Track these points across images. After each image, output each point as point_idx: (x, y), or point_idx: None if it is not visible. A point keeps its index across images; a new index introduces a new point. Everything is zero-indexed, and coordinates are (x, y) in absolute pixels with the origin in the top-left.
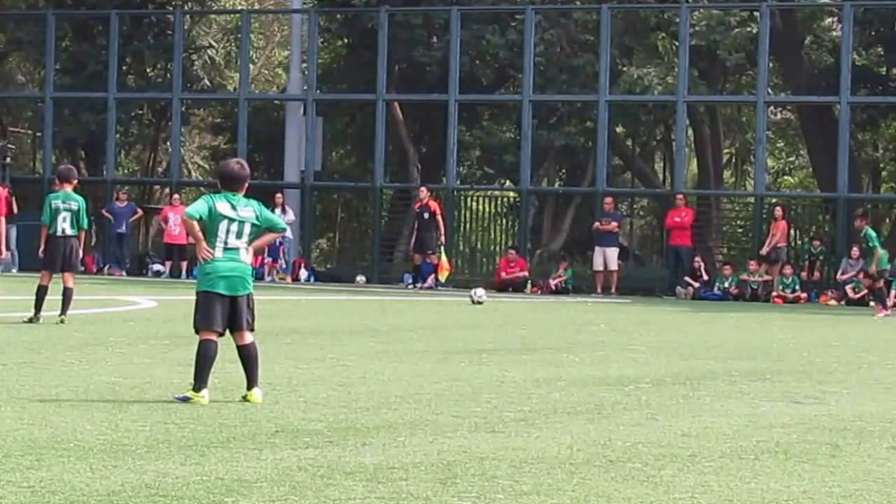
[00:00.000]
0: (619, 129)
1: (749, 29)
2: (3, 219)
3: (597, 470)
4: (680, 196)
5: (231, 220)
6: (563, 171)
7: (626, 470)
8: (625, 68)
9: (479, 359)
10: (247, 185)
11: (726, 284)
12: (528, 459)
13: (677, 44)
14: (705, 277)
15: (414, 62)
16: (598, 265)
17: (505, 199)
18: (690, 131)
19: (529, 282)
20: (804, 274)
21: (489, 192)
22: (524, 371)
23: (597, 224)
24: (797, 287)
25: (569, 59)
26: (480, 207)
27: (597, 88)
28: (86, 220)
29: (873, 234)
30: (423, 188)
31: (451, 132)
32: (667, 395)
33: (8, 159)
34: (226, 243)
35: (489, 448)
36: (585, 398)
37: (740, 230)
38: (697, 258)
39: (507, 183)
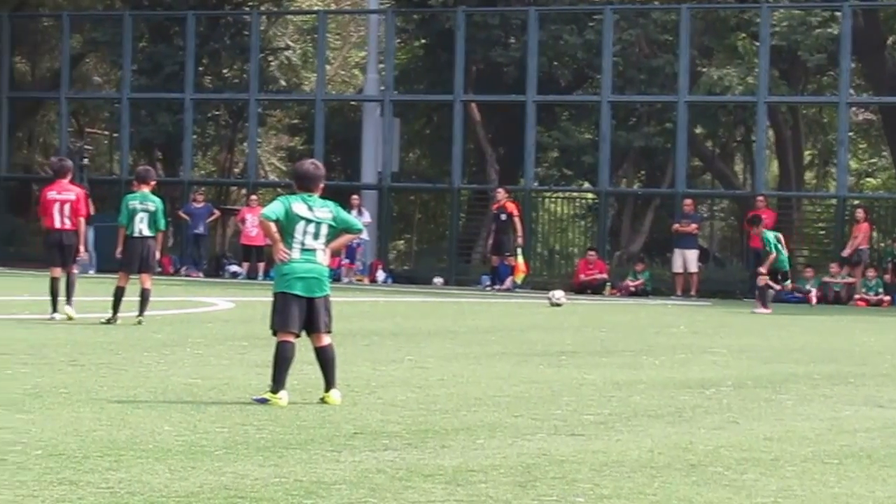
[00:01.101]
0: (698, 131)
1: (830, 29)
2: (83, 219)
3: (678, 474)
4: (761, 198)
5: (308, 221)
6: (643, 172)
7: (708, 474)
8: (704, 69)
9: (558, 361)
10: (322, 185)
11: (808, 287)
12: (608, 463)
13: (758, 44)
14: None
15: (491, 63)
16: (677, 267)
17: (583, 201)
18: (771, 132)
19: (608, 284)
20: (887, 276)
21: (567, 194)
22: (603, 373)
23: (676, 226)
24: (880, 290)
25: (647, 60)
26: (558, 209)
27: (676, 89)
28: (163, 222)
29: (769, 236)
30: (500, 189)
31: (528, 133)
32: (748, 398)
33: (85, 160)
34: (303, 244)
35: (569, 451)
36: (666, 401)
37: (822, 232)
38: None
39: (586, 184)
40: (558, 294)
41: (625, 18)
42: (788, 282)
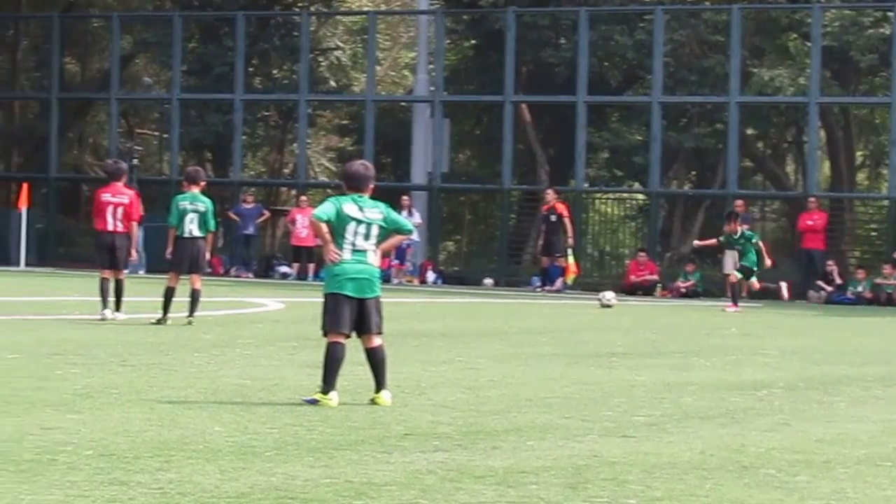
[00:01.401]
0: (749, 131)
1: (882, 29)
2: (135, 223)
3: (729, 475)
4: (812, 199)
5: (359, 221)
6: (693, 173)
7: (760, 476)
8: (755, 69)
9: (609, 362)
10: (372, 185)
11: (860, 288)
12: (659, 464)
13: (809, 44)
14: (838, 281)
15: (541, 63)
16: (728, 268)
17: (634, 202)
18: (822, 133)
19: (659, 285)
20: None
21: (618, 195)
22: (654, 375)
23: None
24: None
25: (698, 60)
26: (609, 210)
27: (727, 90)
28: (213, 222)
29: (749, 233)
30: (549, 191)
31: (579, 134)
32: (800, 400)
33: (135, 161)
34: (354, 245)
35: (620, 452)
36: (717, 403)
37: (874, 233)
38: (830, 262)
39: (636, 185)
40: (609, 295)
41: (676, 19)
42: (754, 279)
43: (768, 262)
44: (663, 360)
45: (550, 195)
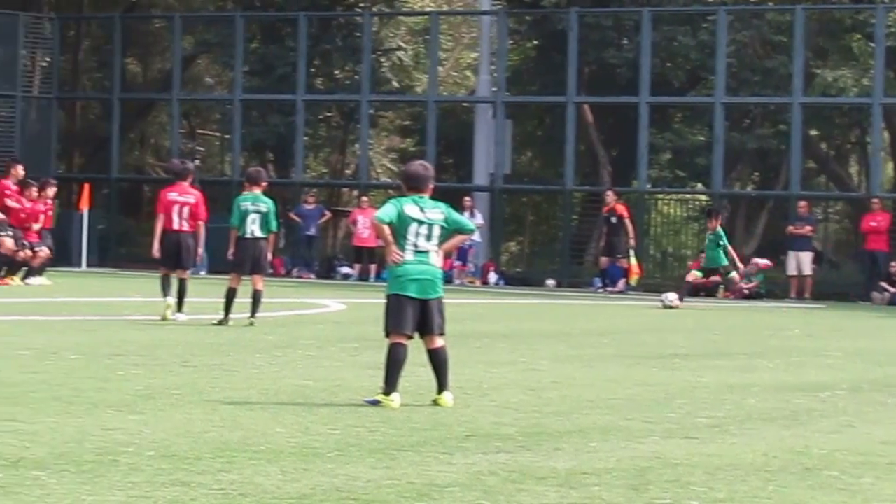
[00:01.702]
0: (813, 132)
1: None
2: (202, 223)
3: (793, 478)
4: (876, 200)
5: (420, 222)
6: (756, 174)
7: (823, 478)
8: (819, 70)
9: (671, 364)
10: (432, 186)
11: None
12: (722, 466)
13: (873, 45)
14: None
15: (604, 64)
16: (791, 270)
17: (696, 203)
18: (886, 134)
19: (722, 286)
20: None
21: (680, 196)
22: (717, 376)
23: (791, 228)
24: None
25: (761, 61)
26: (671, 211)
27: (790, 90)
28: (275, 223)
29: (722, 233)
30: (609, 192)
31: (641, 135)
32: (864, 401)
33: (197, 161)
34: (416, 246)
35: (682, 454)
36: (780, 404)
37: None
38: (894, 263)
39: (699, 186)
40: (671, 296)
41: (739, 19)
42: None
43: (739, 266)
44: (726, 362)
45: (610, 197)
